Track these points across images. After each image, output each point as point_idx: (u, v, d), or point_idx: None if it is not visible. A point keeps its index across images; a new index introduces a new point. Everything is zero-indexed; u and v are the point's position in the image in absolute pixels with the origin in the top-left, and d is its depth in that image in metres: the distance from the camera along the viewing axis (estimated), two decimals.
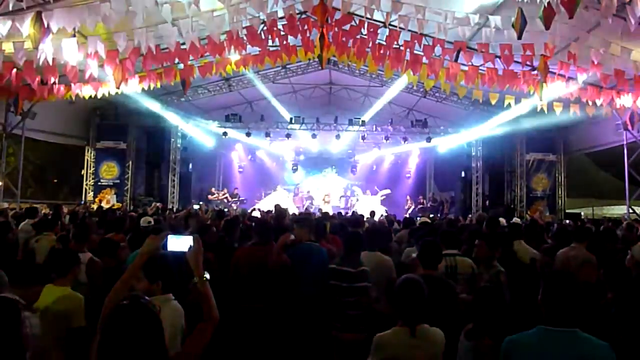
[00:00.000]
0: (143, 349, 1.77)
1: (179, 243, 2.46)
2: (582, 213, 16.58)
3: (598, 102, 10.23)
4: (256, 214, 11.74)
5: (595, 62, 8.31)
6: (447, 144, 18.47)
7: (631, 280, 3.75)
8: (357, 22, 9.11)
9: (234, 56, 10.07)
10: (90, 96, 10.83)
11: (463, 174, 18.47)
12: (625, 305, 3.56)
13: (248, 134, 18.00)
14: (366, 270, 4.10)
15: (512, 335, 2.35)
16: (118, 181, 16.62)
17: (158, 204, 14.80)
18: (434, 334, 2.80)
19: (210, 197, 19.02)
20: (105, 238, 5.16)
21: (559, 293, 2.23)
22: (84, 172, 16.62)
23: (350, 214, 12.77)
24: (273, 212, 9.50)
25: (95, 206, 14.42)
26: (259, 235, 4.97)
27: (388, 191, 20.81)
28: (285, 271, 4.56)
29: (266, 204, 18.47)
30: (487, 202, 17.66)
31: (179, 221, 7.70)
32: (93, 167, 16.55)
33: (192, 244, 2.40)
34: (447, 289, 3.71)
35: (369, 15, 8.03)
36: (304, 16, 9.29)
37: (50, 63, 8.04)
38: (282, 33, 9.27)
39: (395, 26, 8.73)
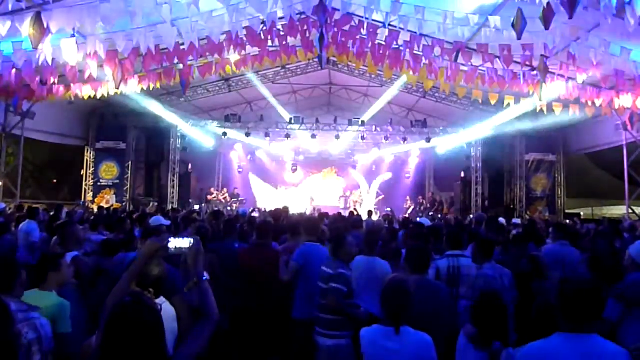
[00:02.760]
0: (144, 345, 1.77)
1: (179, 244, 2.46)
2: (582, 213, 16.59)
3: (598, 102, 10.22)
4: (255, 214, 11.74)
5: (595, 62, 8.31)
6: (446, 144, 18.48)
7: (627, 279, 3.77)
8: (357, 22, 9.11)
9: (233, 56, 10.07)
10: (90, 96, 10.82)
11: (462, 175, 18.47)
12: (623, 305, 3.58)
13: (248, 134, 18.01)
14: (342, 273, 3.87)
15: (532, 341, 2.26)
16: (118, 181, 16.62)
17: (155, 204, 14.85)
18: (420, 338, 2.74)
19: (209, 197, 19.02)
20: (106, 239, 5.16)
21: (578, 298, 2.14)
22: (83, 172, 16.62)
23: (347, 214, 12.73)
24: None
25: (95, 206, 14.42)
26: (259, 236, 4.97)
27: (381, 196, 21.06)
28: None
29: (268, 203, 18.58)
30: (487, 203, 17.67)
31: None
32: (92, 167, 16.55)
33: (192, 245, 2.41)
34: (437, 292, 3.68)
35: (368, 16, 8.03)
36: (303, 16, 9.29)
37: (50, 63, 8.03)
38: (282, 33, 9.26)
39: (395, 26, 8.73)
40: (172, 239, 2.46)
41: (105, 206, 14.19)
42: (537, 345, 2.21)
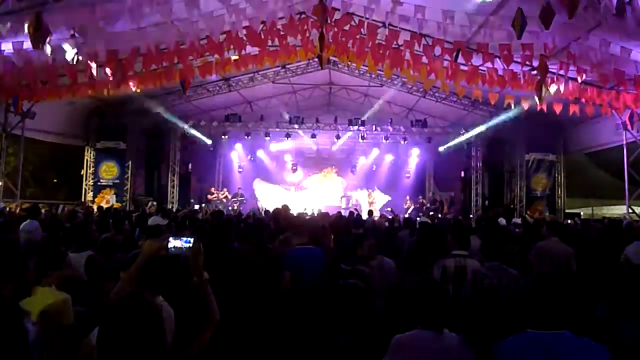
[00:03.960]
0: (145, 344, 1.77)
1: (179, 244, 2.46)
2: (582, 213, 16.58)
3: (598, 102, 10.22)
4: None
5: (595, 62, 8.31)
6: (446, 144, 18.48)
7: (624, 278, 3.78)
8: (357, 22, 9.11)
9: (233, 56, 10.06)
10: (90, 96, 10.82)
11: (463, 174, 18.47)
12: (619, 303, 3.58)
13: (248, 134, 18.00)
14: (360, 268, 3.97)
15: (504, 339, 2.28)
16: (118, 181, 16.60)
17: (154, 204, 14.85)
18: (460, 340, 2.70)
19: (209, 197, 19.02)
20: (106, 238, 5.16)
21: (544, 294, 2.17)
22: (83, 172, 16.61)
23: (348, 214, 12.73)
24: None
25: (95, 206, 14.42)
26: (252, 237, 4.96)
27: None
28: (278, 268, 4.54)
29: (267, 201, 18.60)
30: (487, 202, 17.66)
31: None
32: (93, 167, 16.53)
33: (192, 245, 2.41)
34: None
35: (368, 16, 8.03)
36: (303, 16, 9.29)
37: (50, 63, 8.02)
38: (282, 33, 9.26)
39: (395, 26, 8.73)
40: (171, 239, 2.46)
41: (105, 206, 14.18)
42: (508, 340, 2.23)
